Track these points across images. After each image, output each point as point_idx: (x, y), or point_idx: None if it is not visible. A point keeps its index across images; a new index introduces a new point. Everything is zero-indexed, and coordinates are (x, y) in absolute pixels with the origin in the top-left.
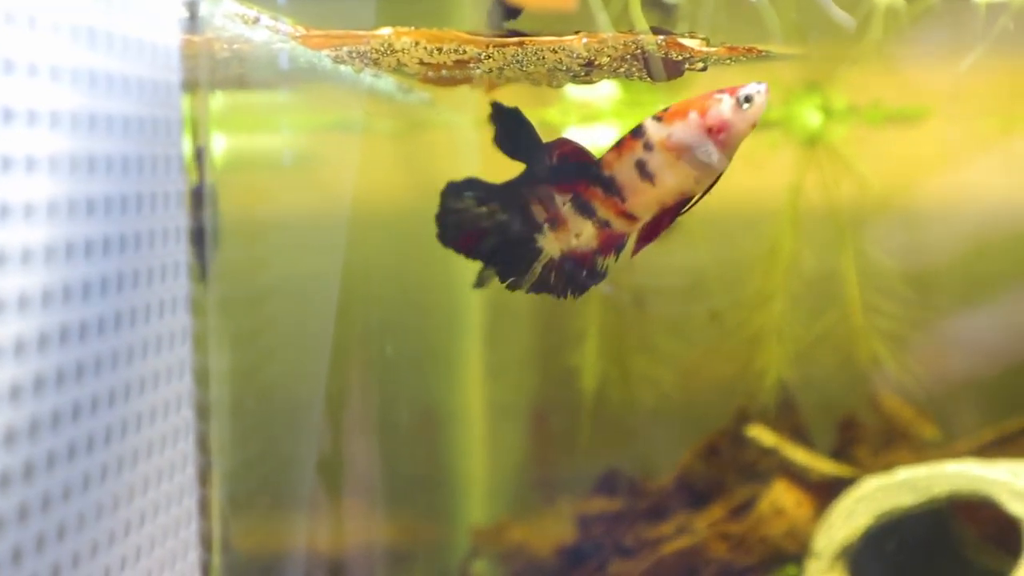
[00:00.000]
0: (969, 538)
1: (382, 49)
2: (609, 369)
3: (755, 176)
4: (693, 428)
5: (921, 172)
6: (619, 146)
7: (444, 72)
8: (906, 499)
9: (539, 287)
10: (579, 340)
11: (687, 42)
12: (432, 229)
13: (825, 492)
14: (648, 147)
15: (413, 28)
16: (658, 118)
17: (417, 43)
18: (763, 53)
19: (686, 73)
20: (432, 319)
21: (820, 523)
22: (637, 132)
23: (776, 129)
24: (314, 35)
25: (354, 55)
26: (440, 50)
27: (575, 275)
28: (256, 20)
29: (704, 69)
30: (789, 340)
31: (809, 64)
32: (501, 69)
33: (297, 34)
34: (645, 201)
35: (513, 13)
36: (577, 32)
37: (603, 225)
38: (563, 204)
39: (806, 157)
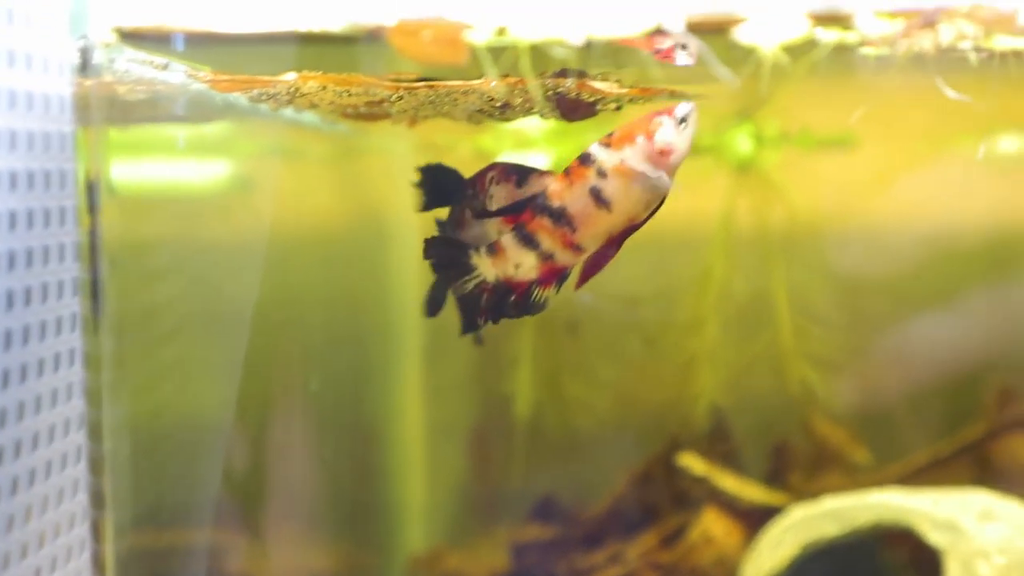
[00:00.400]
0: (897, 563)
1: (291, 92)
2: (543, 394)
3: (688, 201)
4: (629, 454)
5: (852, 196)
6: (568, 175)
7: (362, 109)
8: (831, 529)
9: (468, 309)
10: (513, 365)
11: (599, 84)
12: (364, 250)
13: (755, 520)
14: (601, 174)
15: (320, 73)
16: (605, 144)
17: (324, 87)
18: (676, 93)
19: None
20: (367, 343)
21: (748, 553)
22: (586, 160)
23: (708, 155)
24: (222, 79)
25: (265, 97)
26: (349, 93)
27: (504, 303)
28: (165, 66)
29: (619, 109)
30: (722, 365)
31: (741, 95)
32: (416, 110)
33: (206, 78)
34: (596, 231)
35: None
36: (484, 78)
37: (546, 258)
38: (502, 233)
39: (738, 183)
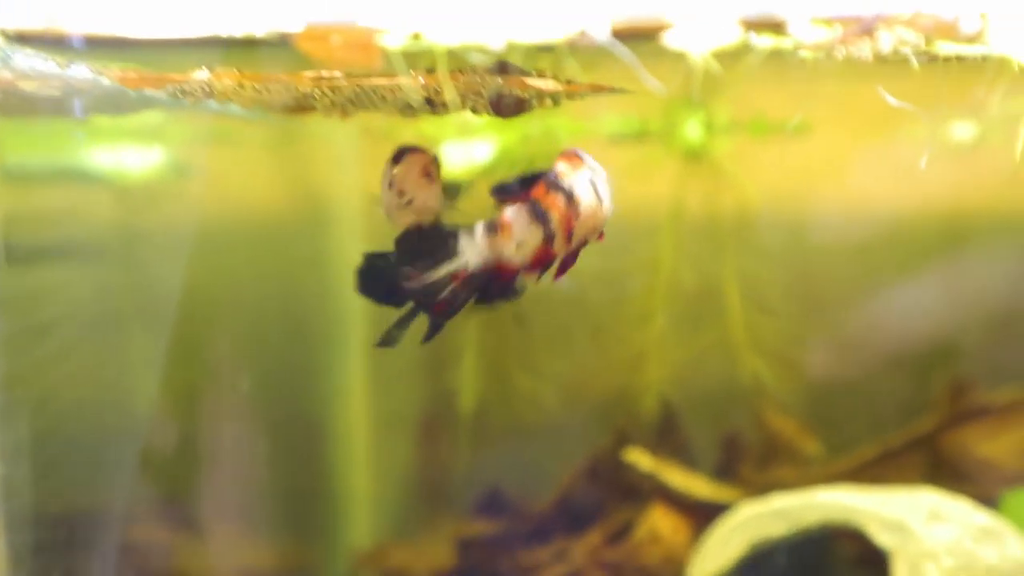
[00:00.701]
0: (849, 558)
1: (205, 90)
2: (490, 386)
3: (637, 190)
4: (577, 447)
5: (806, 184)
6: (568, 159)
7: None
8: (779, 528)
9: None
10: (458, 356)
11: (533, 81)
12: (305, 237)
13: (704, 516)
14: (592, 168)
15: (236, 71)
16: (577, 152)
17: (242, 84)
18: (610, 89)
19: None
20: (308, 330)
21: (695, 551)
22: (576, 153)
23: (656, 142)
24: (131, 76)
25: (180, 93)
26: (268, 90)
27: (488, 289)
28: (68, 64)
29: (557, 104)
30: (671, 356)
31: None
32: (343, 106)
33: (115, 74)
34: (590, 224)
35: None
36: (413, 71)
37: (548, 240)
38: (510, 209)
39: (687, 171)
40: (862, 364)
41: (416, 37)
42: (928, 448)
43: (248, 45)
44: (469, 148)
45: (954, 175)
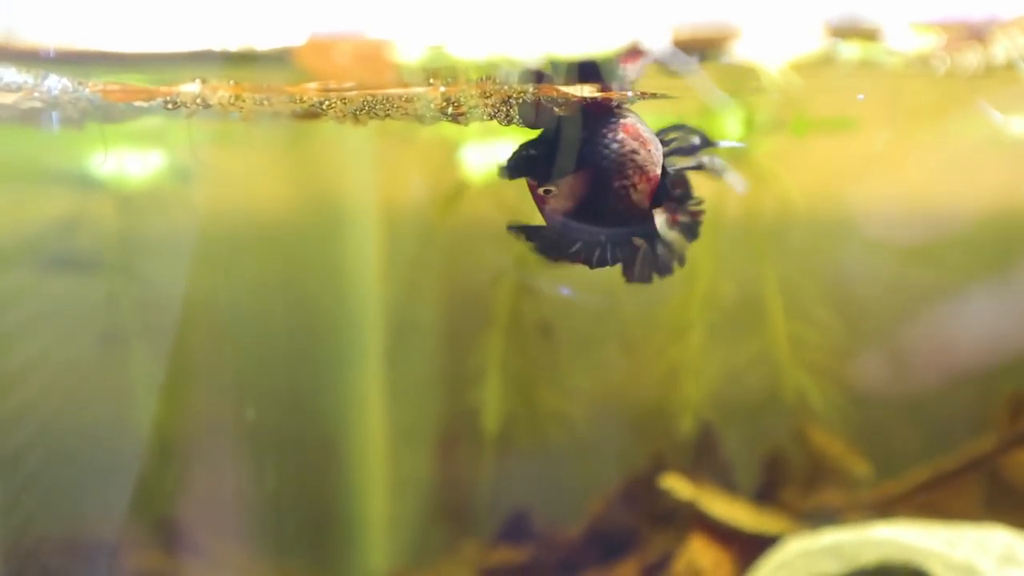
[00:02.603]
0: None
1: (198, 102)
2: (514, 403)
3: None
4: (609, 469)
5: (851, 184)
6: None
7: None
8: (830, 567)
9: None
10: (482, 371)
11: (568, 89)
12: (317, 242)
13: (749, 548)
14: None
15: (233, 83)
16: None
17: (239, 96)
18: (655, 96)
19: None
20: (321, 342)
21: None
22: None
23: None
24: (114, 89)
25: (171, 106)
26: (269, 101)
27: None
28: (46, 76)
29: None
30: (709, 372)
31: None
32: (354, 114)
33: (97, 87)
34: None
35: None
36: (431, 82)
37: None
38: None
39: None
40: (914, 378)
41: (436, 50)
42: (987, 471)
43: (247, 59)
44: (491, 149)
45: (1013, 173)
